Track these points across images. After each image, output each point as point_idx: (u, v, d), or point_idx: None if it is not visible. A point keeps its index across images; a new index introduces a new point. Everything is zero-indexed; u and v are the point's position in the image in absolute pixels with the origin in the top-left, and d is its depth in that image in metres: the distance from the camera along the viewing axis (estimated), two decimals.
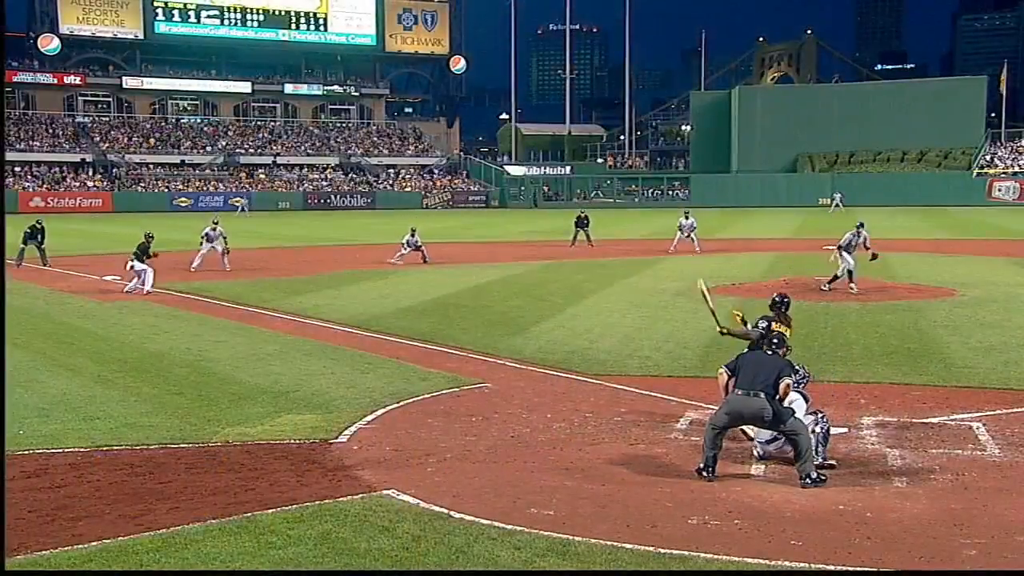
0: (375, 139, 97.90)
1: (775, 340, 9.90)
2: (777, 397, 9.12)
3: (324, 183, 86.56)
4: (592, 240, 37.98)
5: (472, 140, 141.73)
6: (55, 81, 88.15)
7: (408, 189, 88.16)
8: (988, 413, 11.66)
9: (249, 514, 8.10)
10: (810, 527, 7.95)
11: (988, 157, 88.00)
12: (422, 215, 67.55)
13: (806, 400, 9.98)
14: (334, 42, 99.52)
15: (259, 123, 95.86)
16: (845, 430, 10.74)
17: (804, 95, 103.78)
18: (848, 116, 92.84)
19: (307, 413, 11.70)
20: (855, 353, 15.58)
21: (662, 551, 7.38)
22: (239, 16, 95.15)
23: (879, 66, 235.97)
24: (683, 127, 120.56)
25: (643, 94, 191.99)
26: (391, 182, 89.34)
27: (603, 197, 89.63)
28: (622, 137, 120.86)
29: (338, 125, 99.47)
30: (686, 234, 35.35)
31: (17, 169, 76.05)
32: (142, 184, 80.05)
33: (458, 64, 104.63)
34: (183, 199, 77.10)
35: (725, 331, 11.39)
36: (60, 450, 10.15)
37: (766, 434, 9.67)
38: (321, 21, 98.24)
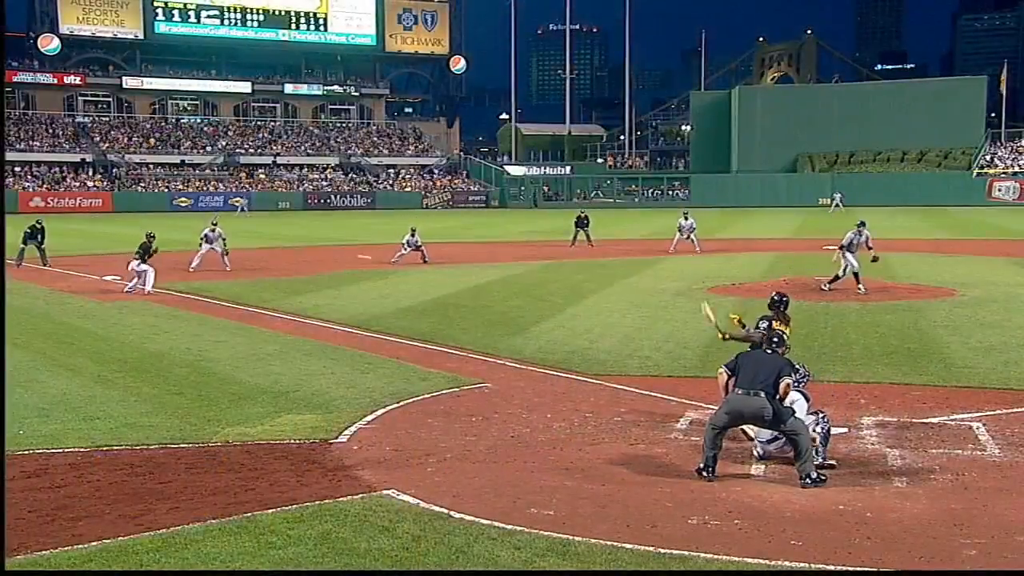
0: (375, 139, 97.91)
1: (775, 339, 9.91)
2: (777, 396, 9.12)
3: (324, 183, 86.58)
4: (592, 240, 37.98)
5: (472, 140, 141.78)
6: (55, 81, 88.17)
7: (408, 189, 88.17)
8: (988, 413, 11.66)
9: (249, 514, 8.10)
10: (810, 527, 7.95)
11: (988, 157, 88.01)
12: (422, 215, 67.54)
13: (807, 400, 9.99)
14: (334, 42, 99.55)
15: (259, 123, 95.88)
16: (845, 430, 10.74)
17: (804, 95, 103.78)
18: (848, 116, 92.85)
19: (307, 413, 11.70)
20: (855, 353, 15.58)
21: (662, 551, 7.38)
22: (239, 16, 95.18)
23: (879, 66, 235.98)
24: (683, 127, 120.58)
25: (643, 94, 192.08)
26: (391, 182, 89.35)
27: (603, 197, 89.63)
28: (622, 137, 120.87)
29: (338, 125, 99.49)
30: (685, 235, 35.32)
31: (17, 169, 76.07)
32: (142, 184, 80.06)
33: (458, 64, 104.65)
34: (183, 199, 77.11)
35: (727, 337, 11.37)
36: (60, 450, 10.15)
37: (766, 434, 9.67)
38: (321, 21, 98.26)
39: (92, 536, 7.60)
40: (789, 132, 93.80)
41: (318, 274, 28.41)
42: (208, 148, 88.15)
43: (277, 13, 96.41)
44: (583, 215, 39.20)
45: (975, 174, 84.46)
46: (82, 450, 10.18)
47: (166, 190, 79.42)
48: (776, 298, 11.87)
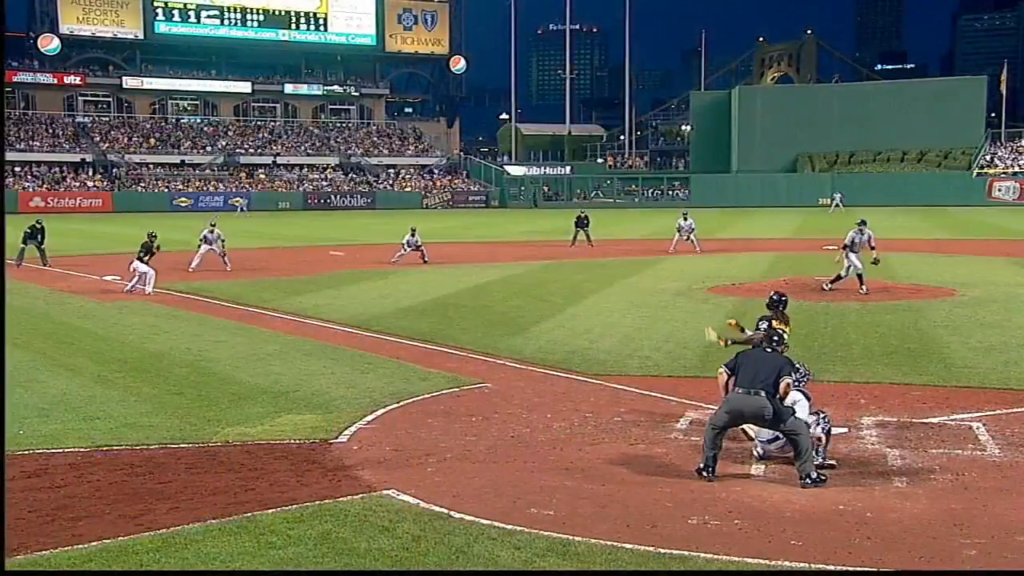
0: (375, 139, 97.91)
1: (775, 338, 9.91)
2: (777, 396, 9.12)
3: (324, 183, 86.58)
4: (592, 240, 37.98)
5: (472, 140, 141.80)
6: (55, 81, 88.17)
7: (408, 189, 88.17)
8: (988, 413, 11.66)
9: (249, 514, 8.10)
10: (810, 527, 7.95)
11: (988, 157, 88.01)
12: (422, 215, 67.54)
13: (808, 399, 9.98)
14: (334, 42, 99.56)
15: (259, 123, 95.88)
16: (845, 430, 10.74)
17: (804, 95, 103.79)
18: (848, 116, 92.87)
19: (307, 413, 11.70)
20: (855, 353, 15.57)
21: (662, 551, 7.38)
22: (239, 16, 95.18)
23: (879, 66, 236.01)
24: (683, 127, 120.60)
25: (643, 94, 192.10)
26: (391, 182, 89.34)
27: (603, 197, 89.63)
28: (622, 137, 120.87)
29: (338, 125, 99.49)
30: (684, 236, 35.31)
31: (17, 169, 76.07)
32: (142, 184, 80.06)
33: (458, 64, 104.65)
34: (183, 199, 77.10)
35: (728, 342, 11.35)
36: (60, 450, 10.15)
37: (767, 433, 9.67)
38: (321, 21, 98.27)
39: (92, 536, 7.60)
40: (789, 132, 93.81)
41: (318, 274, 28.42)
42: (208, 148, 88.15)
43: (277, 13, 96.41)
44: (583, 215, 39.20)
45: (975, 174, 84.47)
46: (82, 450, 10.18)
47: (166, 190, 79.41)
48: (775, 298, 11.87)
